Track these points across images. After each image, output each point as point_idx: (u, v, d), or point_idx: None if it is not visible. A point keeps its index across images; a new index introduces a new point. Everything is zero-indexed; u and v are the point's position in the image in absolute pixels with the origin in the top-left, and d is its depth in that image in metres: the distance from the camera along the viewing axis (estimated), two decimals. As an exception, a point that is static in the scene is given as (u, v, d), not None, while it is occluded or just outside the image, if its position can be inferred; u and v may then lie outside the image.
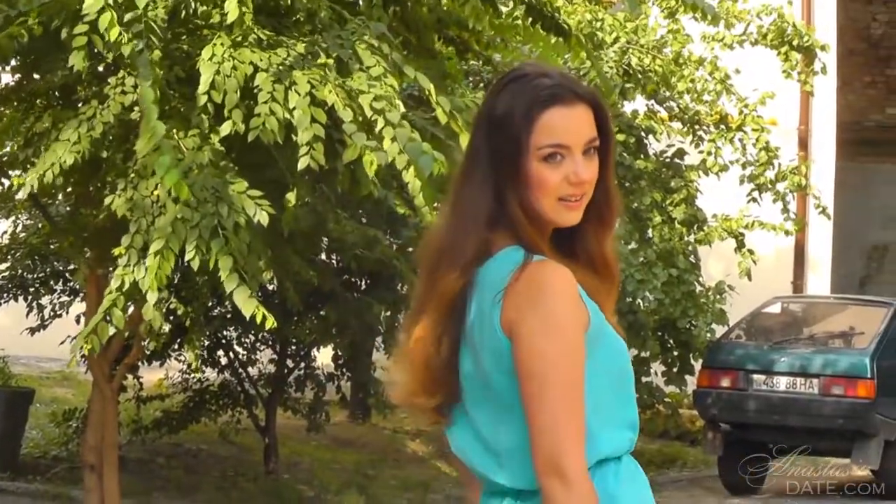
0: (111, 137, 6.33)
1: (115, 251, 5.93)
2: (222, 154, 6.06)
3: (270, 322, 5.73)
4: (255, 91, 5.74)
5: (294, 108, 5.66)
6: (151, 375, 10.91)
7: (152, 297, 5.74)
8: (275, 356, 10.50)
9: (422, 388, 2.16)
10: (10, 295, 9.67)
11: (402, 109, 5.68)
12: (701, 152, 11.95)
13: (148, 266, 5.68)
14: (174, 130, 5.86)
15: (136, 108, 5.97)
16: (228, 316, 9.85)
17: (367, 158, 5.59)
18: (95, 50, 5.87)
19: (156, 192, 5.92)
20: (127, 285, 5.84)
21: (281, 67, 5.68)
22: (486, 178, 2.14)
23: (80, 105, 6.28)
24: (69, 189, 7.09)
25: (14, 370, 11.17)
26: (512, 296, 2.07)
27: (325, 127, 5.67)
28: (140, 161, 6.00)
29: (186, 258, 5.77)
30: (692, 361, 11.34)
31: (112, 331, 6.01)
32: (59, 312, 9.86)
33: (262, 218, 5.76)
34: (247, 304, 5.73)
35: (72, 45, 5.52)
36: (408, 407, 2.31)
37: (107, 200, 6.15)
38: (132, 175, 6.11)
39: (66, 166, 5.86)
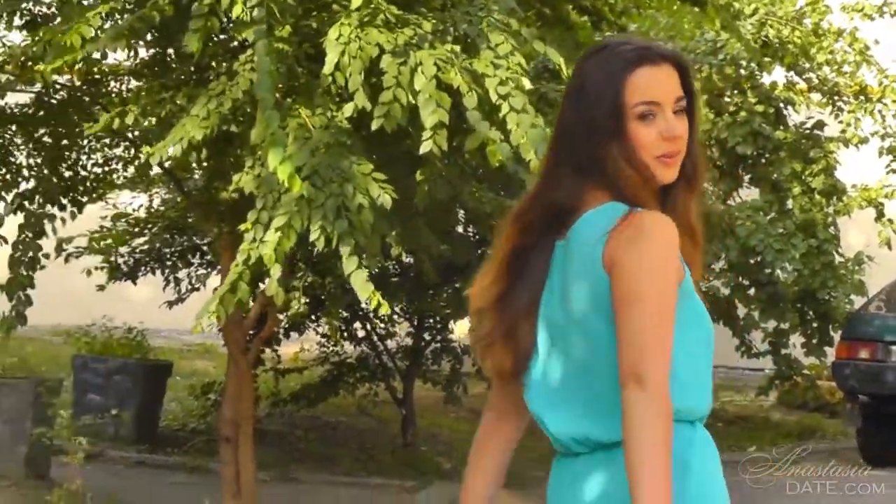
0: (241, 113, 6.41)
1: (242, 227, 5.97)
2: (349, 132, 6.04)
3: (385, 309, 5.72)
4: (381, 73, 5.70)
5: (419, 92, 5.62)
6: (290, 349, 11.10)
7: (275, 272, 5.78)
8: (412, 329, 10.53)
9: (500, 339, 2.21)
10: (148, 268, 9.79)
11: (529, 87, 5.60)
12: (840, 123, 11.81)
13: (268, 241, 5.72)
14: (300, 108, 5.89)
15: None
16: (365, 289, 9.94)
17: (491, 149, 5.55)
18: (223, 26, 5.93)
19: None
20: (252, 259, 5.91)
21: (407, 47, 5.61)
22: (581, 144, 2.21)
23: (211, 80, 6.34)
24: (203, 164, 7.19)
25: (154, 343, 11.38)
26: (616, 236, 2.12)
27: (450, 109, 5.61)
28: (256, 144, 6.05)
29: (311, 238, 5.82)
30: (832, 333, 11.20)
31: (236, 303, 6.08)
32: (196, 286, 9.97)
33: (385, 201, 5.78)
34: (363, 288, 5.73)
35: (192, 26, 5.57)
36: (485, 360, 2.32)
37: (235, 177, 6.22)
38: (259, 153, 6.14)
39: (195, 141, 5.95)
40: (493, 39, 5.62)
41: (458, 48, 5.72)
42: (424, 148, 5.58)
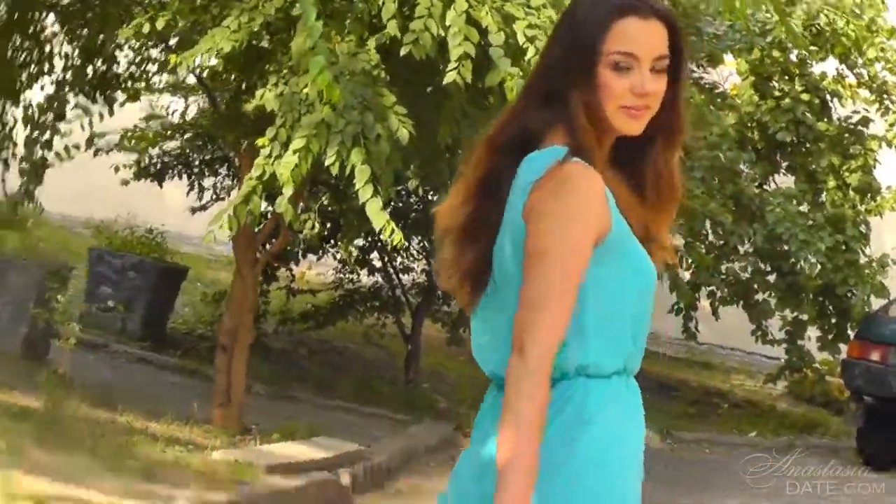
0: (273, 29, 6.61)
1: (259, 141, 6.19)
2: (376, 63, 6.22)
3: (398, 238, 5.97)
4: (414, 4, 5.95)
5: (449, 26, 5.85)
6: (308, 271, 11.44)
7: (287, 191, 6.04)
8: (427, 267, 10.75)
9: (461, 273, 2.29)
10: (175, 172, 10.07)
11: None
12: (885, 122, 11.88)
13: (285, 161, 5.93)
14: (332, 33, 6.07)
15: (299, 4, 6.17)
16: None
17: (509, 84, 5.75)
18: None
19: (305, 91, 6.18)
20: (267, 175, 6.15)
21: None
22: (555, 77, 2.28)
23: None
24: (233, 77, 7.38)
25: (183, 250, 11.73)
26: (540, 186, 2.18)
27: (477, 46, 5.86)
28: (295, 58, 6.24)
29: (327, 162, 6.06)
30: (849, 331, 11.41)
31: (248, 215, 6.33)
32: (221, 195, 10.25)
33: (403, 135, 6.01)
34: (378, 217, 5.99)
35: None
36: (450, 291, 2.42)
37: (258, 93, 6.41)
38: (285, 71, 6.38)
39: (222, 53, 6.15)
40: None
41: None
42: (448, 78, 5.82)
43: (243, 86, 7.35)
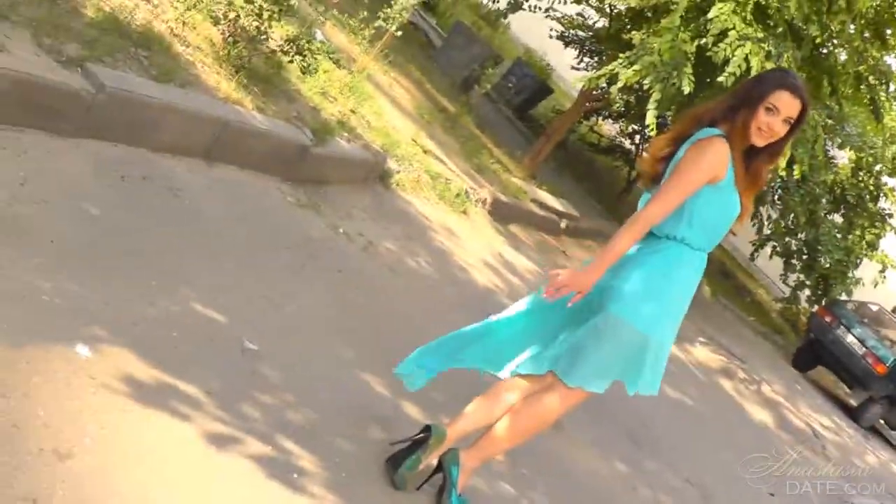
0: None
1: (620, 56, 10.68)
2: (692, 51, 9.87)
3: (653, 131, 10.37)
4: (726, 33, 9.27)
5: (735, 56, 9.24)
6: None
7: (620, 83, 10.54)
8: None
9: (650, 168, 4.00)
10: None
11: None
12: None
13: (629, 72, 10.43)
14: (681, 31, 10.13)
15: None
16: None
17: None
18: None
19: (654, 45, 9.65)
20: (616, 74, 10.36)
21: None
22: (738, 101, 3.84)
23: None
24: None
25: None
26: (695, 143, 3.77)
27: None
28: (662, 27, 9.63)
29: (645, 83, 10.19)
30: (823, 301, 16.65)
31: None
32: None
33: (686, 88, 9.90)
34: (650, 120, 9.71)
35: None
36: (643, 177, 4.10)
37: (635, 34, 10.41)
38: (652, 31, 9.78)
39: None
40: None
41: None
42: (722, 78, 9.02)
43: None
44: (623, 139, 18.21)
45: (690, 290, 3.94)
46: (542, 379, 4.10)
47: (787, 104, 3.77)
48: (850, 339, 15.43)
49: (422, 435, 4.18)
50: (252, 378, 4.05)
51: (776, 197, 15.80)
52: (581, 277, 3.68)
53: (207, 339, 4.06)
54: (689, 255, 3.86)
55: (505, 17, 13.09)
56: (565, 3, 14.11)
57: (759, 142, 3.81)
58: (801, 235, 16.04)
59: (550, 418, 4.11)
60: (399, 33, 8.35)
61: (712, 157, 3.72)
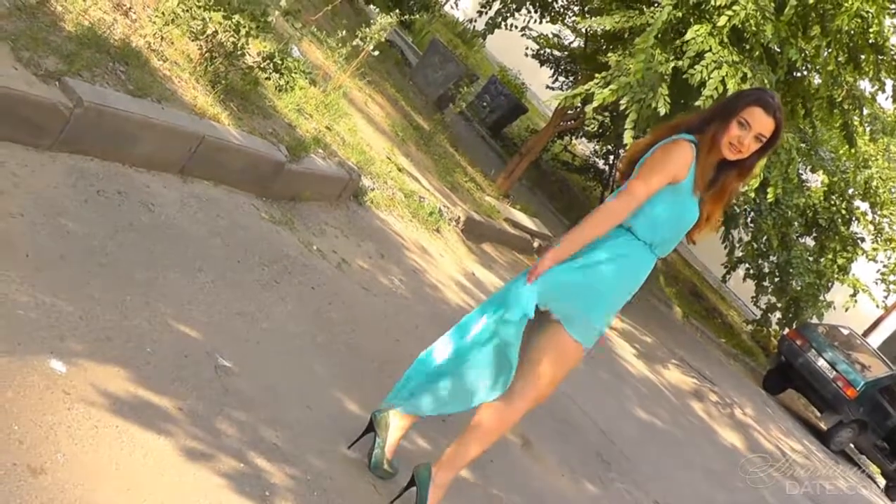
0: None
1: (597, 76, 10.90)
2: (668, 72, 9.92)
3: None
4: (702, 54, 9.59)
5: (711, 79, 9.36)
6: None
7: (595, 103, 10.29)
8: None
9: (625, 167, 4.21)
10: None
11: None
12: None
13: (604, 92, 10.55)
14: (658, 52, 10.44)
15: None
16: None
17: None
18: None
19: (631, 66, 9.64)
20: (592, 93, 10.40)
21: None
22: (714, 114, 4.01)
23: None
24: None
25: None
26: (663, 144, 3.98)
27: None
28: (637, 48, 10.09)
29: (622, 103, 10.52)
30: (794, 323, 16.89)
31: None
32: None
33: (661, 109, 9.54)
34: (628, 138, 9.99)
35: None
36: (619, 175, 4.26)
37: (611, 55, 10.84)
38: (628, 52, 10.11)
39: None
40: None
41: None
42: (700, 102, 9.24)
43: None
44: (597, 159, 18.31)
45: (632, 280, 4.03)
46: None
47: (759, 120, 3.87)
48: (820, 362, 15.53)
49: (368, 427, 4.36)
50: (225, 394, 4.06)
51: (748, 219, 15.93)
52: (551, 259, 3.89)
53: (181, 355, 4.07)
54: (634, 245, 3.98)
55: (483, 38, 13.14)
56: (541, 22, 14.20)
57: (729, 155, 3.91)
58: (773, 258, 16.22)
59: (514, 419, 4.18)
60: (375, 52, 8.37)
61: (676, 157, 3.86)
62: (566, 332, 3.98)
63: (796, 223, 15.53)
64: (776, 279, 16.45)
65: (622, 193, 3.88)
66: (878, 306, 17.27)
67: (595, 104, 10.05)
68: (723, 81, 9.44)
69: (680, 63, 9.73)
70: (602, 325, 4.05)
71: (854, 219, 16.29)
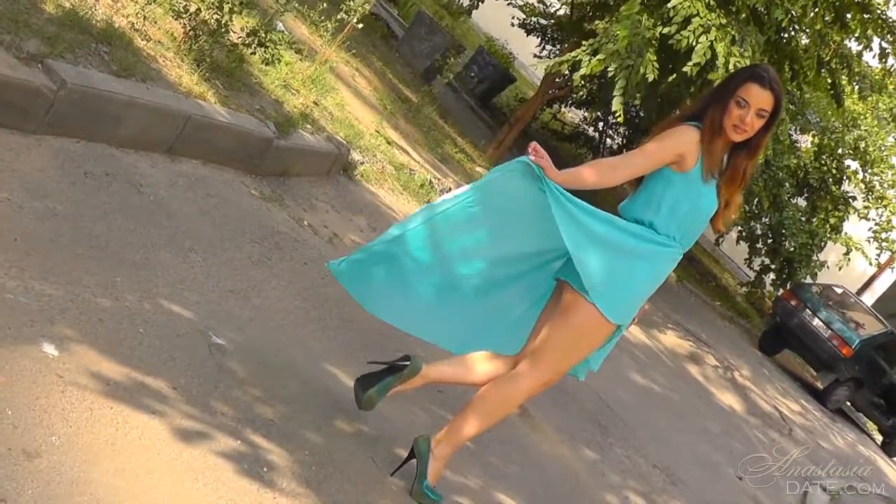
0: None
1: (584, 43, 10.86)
2: (655, 37, 10.00)
3: (621, 119, 10.18)
4: (689, 19, 9.65)
5: (699, 44, 9.47)
6: None
7: (584, 71, 10.68)
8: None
9: None
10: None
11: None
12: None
13: (592, 62, 10.33)
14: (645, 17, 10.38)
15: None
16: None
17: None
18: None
19: (617, 33, 10.20)
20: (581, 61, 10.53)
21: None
22: (712, 98, 3.96)
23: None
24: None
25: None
26: (671, 127, 3.96)
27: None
28: (621, 16, 10.05)
29: (610, 71, 10.37)
30: (788, 284, 17.05)
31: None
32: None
33: (650, 75, 10.68)
34: (617, 106, 10.46)
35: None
36: None
37: (598, 23, 10.82)
38: (614, 18, 10.07)
39: None
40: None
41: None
42: (686, 68, 9.41)
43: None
44: (587, 126, 18.28)
45: (657, 276, 3.98)
46: (509, 358, 4.17)
47: (756, 96, 3.82)
48: (815, 322, 15.57)
49: (401, 363, 4.25)
50: (219, 372, 4.05)
51: (740, 182, 16.01)
52: (549, 167, 3.90)
53: (174, 334, 4.06)
54: (658, 242, 3.92)
55: (469, 13, 13.10)
56: (526, -9, 14.17)
57: (735, 137, 3.87)
58: (766, 220, 16.20)
59: (518, 400, 4.16)
60: (360, 25, 8.34)
61: (678, 137, 3.82)
62: (588, 302, 3.91)
63: (787, 184, 15.54)
64: (769, 241, 16.51)
65: (621, 156, 3.90)
66: (871, 264, 17.32)
67: (583, 72, 9.97)
68: (711, 47, 9.39)
69: (667, 29, 9.67)
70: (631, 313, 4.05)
71: (845, 178, 16.30)
